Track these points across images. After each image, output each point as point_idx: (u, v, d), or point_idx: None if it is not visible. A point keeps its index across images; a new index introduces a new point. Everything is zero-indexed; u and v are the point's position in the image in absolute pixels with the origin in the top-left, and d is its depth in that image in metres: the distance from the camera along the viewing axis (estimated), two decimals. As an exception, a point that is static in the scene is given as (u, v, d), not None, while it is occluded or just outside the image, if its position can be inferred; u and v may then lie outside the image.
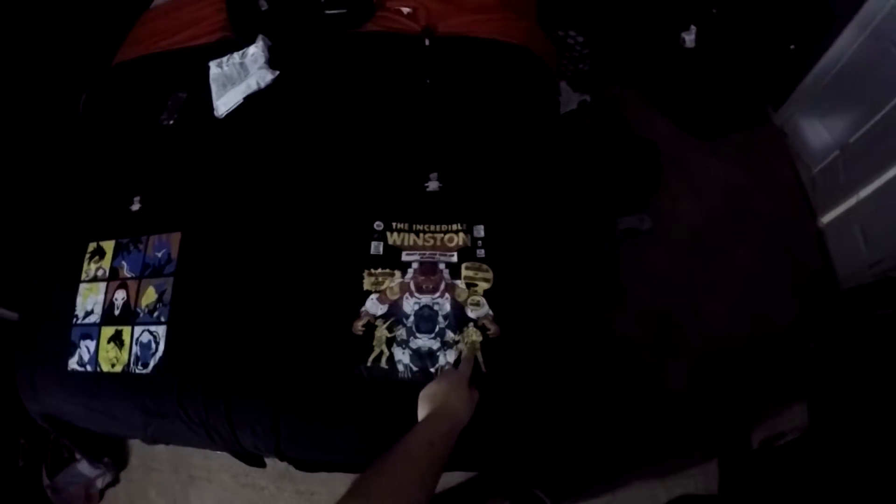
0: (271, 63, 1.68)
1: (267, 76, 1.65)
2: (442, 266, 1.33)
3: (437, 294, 1.30)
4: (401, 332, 1.27)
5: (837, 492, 1.53)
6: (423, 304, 1.29)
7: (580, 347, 1.38)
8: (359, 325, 1.29)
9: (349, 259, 1.36)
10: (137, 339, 1.41)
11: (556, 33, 2.46)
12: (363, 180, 1.49)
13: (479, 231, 1.37)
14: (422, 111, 1.60)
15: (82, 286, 1.50)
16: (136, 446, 2.13)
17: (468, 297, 1.29)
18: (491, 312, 1.27)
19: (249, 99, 1.66)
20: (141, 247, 1.50)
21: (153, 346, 1.40)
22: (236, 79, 1.65)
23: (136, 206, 1.56)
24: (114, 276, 1.49)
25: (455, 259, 1.34)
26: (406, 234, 1.38)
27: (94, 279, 1.50)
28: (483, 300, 1.28)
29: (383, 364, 1.25)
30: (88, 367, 1.42)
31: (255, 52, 1.66)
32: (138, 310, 1.43)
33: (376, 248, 1.37)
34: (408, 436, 0.93)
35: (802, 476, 1.68)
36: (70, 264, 1.53)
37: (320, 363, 1.29)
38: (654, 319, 2.18)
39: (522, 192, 1.45)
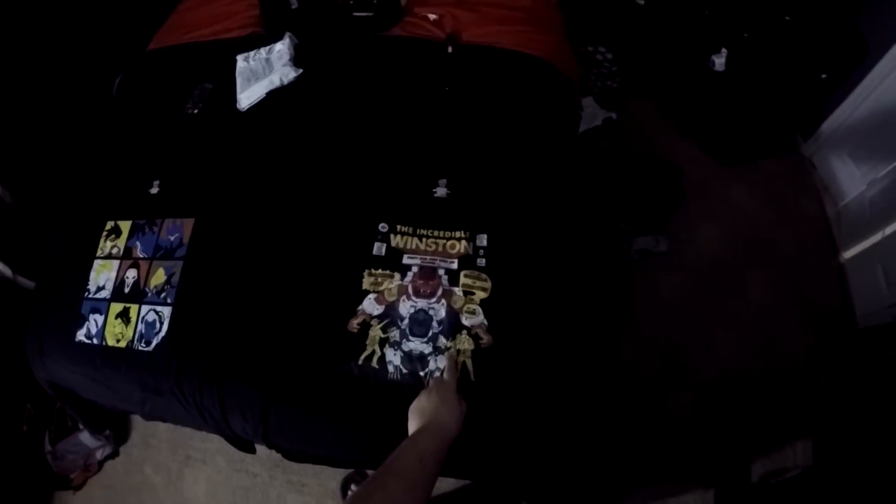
0: (296, 61, 1.72)
1: (290, 73, 1.68)
2: (441, 272, 1.34)
3: (434, 299, 1.31)
4: (394, 334, 1.28)
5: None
6: (419, 307, 1.30)
7: (576, 365, 1.37)
8: (354, 323, 1.30)
9: (351, 257, 1.38)
10: (143, 317, 1.46)
11: (586, 49, 2.45)
12: (373, 181, 1.51)
13: (482, 240, 1.38)
14: (437, 117, 1.61)
15: (97, 262, 1.56)
16: (138, 422, 2.20)
17: (464, 304, 1.29)
18: (485, 322, 1.27)
19: (272, 94, 1.69)
20: (156, 229, 1.55)
21: (157, 325, 1.44)
22: (261, 74, 1.69)
23: (154, 190, 1.61)
24: (127, 255, 1.54)
25: (455, 266, 1.34)
26: (409, 238, 1.40)
27: (109, 256, 1.56)
28: (479, 309, 1.29)
29: (374, 363, 1.26)
30: (95, 340, 1.48)
31: (281, 48, 1.70)
32: (147, 289, 1.48)
33: (379, 248, 1.39)
34: (398, 452, 0.94)
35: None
36: (87, 240, 1.59)
37: (313, 357, 1.31)
38: (663, 344, 2.14)
39: (530, 206, 1.45)
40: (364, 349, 1.28)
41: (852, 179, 2.24)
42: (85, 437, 2.04)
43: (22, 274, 1.88)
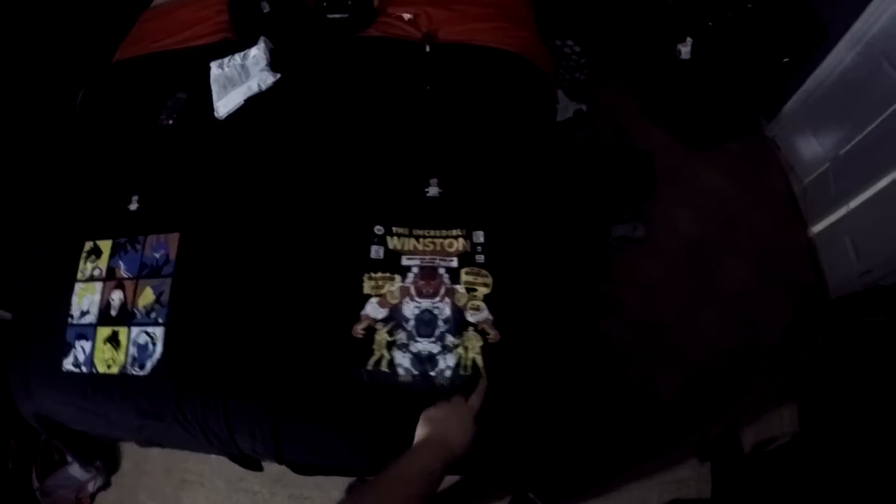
0: (273, 65, 1.69)
1: (268, 78, 1.65)
2: (442, 271, 1.34)
3: (438, 298, 1.30)
4: (401, 336, 1.27)
5: (827, 496, 1.55)
6: (424, 308, 1.30)
7: (576, 353, 1.39)
8: (359, 329, 1.29)
9: (349, 263, 1.36)
10: (134, 340, 1.40)
11: (554, 42, 2.48)
12: (364, 184, 1.49)
13: (479, 237, 1.38)
14: (422, 117, 1.61)
15: (78, 285, 1.48)
16: (128, 449, 2.11)
17: (468, 301, 1.30)
18: (491, 317, 1.28)
19: (250, 101, 1.65)
20: (139, 247, 1.49)
21: (150, 347, 1.38)
22: (237, 80, 1.65)
23: (133, 206, 1.55)
24: (111, 276, 1.47)
25: (455, 264, 1.34)
26: (406, 239, 1.39)
27: (91, 279, 1.48)
28: (483, 305, 1.29)
29: (384, 367, 1.25)
30: (84, 368, 1.41)
31: (257, 53, 1.66)
32: (135, 310, 1.42)
33: (376, 252, 1.37)
34: (402, 460, 0.93)
35: (793, 480, 1.70)
36: (66, 263, 1.51)
37: (321, 366, 1.29)
38: (647, 328, 2.20)
39: (521, 199, 1.46)
40: (372, 354, 1.26)
41: (815, 157, 2.34)
42: (74, 469, 1.95)
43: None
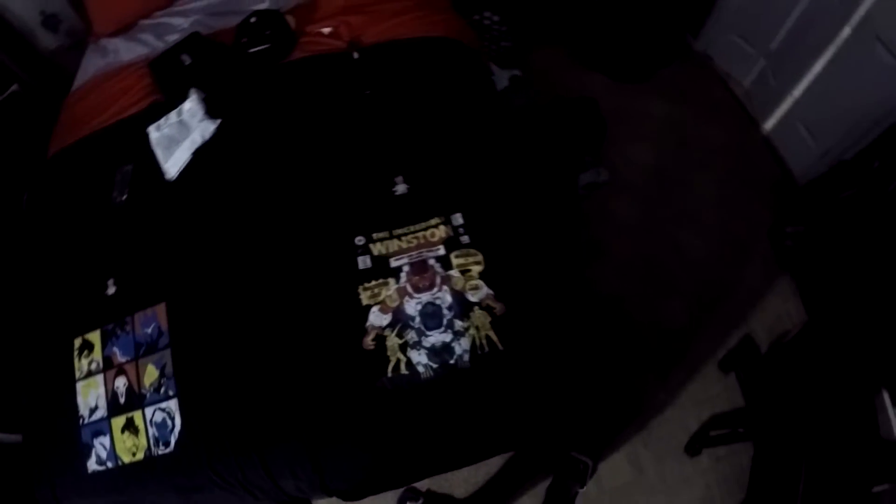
0: (210, 113, 1.67)
1: (209, 127, 1.63)
2: (432, 261, 1.34)
3: (436, 289, 1.31)
4: (411, 335, 1.27)
5: (845, 368, 1.60)
6: (425, 301, 1.30)
7: (579, 302, 1.41)
8: (369, 340, 1.28)
9: (340, 280, 1.36)
10: (151, 420, 1.37)
11: (472, 18, 2.50)
12: (332, 201, 1.49)
13: (458, 219, 1.39)
14: (370, 121, 1.61)
15: (79, 384, 1.45)
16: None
17: (465, 283, 1.30)
18: (491, 292, 1.29)
19: (198, 153, 1.64)
20: (128, 328, 1.46)
21: (169, 422, 1.36)
22: (179, 137, 1.63)
23: (111, 290, 1.52)
24: (108, 366, 1.44)
25: (442, 251, 1.35)
26: (388, 242, 1.39)
27: (90, 374, 1.45)
28: (480, 282, 1.30)
29: (403, 370, 1.25)
30: (109, 464, 1.37)
31: (192, 106, 1.64)
32: (143, 391, 1.39)
33: (363, 262, 1.37)
34: None
35: (812, 363, 1.75)
36: (61, 366, 1.47)
37: (342, 388, 1.28)
38: (638, 265, 2.23)
39: (487, 173, 1.48)
40: (388, 361, 1.26)
41: (748, 58, 2.41)
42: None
43: (3, 430, 1.72)
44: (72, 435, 1.42)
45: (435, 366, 1.24)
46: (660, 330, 2.09)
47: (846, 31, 1.85)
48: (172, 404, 1.36)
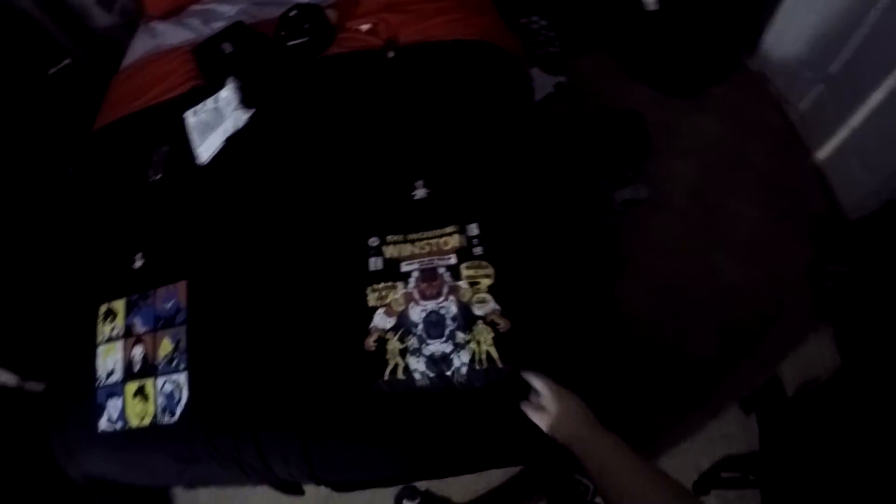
0: (245, 102, 1.71)
1: (242, 116, 1.68)
2: (442, 270, 1.34)
3: (442, 298, 1.31)
4: (412, 342, 1.28)
5: (878, 423, 1.51)
6: (430, 310, 1.30)
7: (593, 326, 1.38)
8: (370, 342, 1.30)
9: (350, 279, 1.38)
10: (161, 389, 1.44)
11: (520, 21, 2.47)
12: (352, 200, 1.51)
13: (473, 229, 1.38)
14: (398, 122, 1.62)
15: (100, 348, 1.53)
16: (179, 494, 2.16)
17: (472, 295, 1.30)
18: (498, 307, 1.28)
19: (230, 141, 1.68)
20: (150, 301, 1.53)
21: (177, 394, 1.42)
22: (213, 124, 1.68)
23: (138, 263, 1.59)
24: (129, 334, 1.52)
25: (454, 261, 1.35)
26: (402, 245, 1.40)
27: (111, 339, 1.53)
28: (488, 296, 1.29)
29: (400, 375, 1.26)
30: (118, 425, 1.45)
31: (227, 94, 1.69)
32: (157, 362, 1.46)
33: (375, 263, 1.38)
34: (631, 468, 0.91)
35: (840, 415, 1.66)
36: (85, 329, 1.56)
37: (340, 385, 1.31)
38: (668, 288, 2.16)
39: (510, 184, 1.46)
40: (387, 364, 1.27)
41: (806, 80, 2.27)
42: (127, 523, 2.01)
43: (30, 378, 1.85)
44: (88, 394, 1.51)
45: (431, 375, 1.25)
46: (683, 358, 2.02)
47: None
48: (182, 378, 1.43)
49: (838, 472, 1.46)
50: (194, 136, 1.69)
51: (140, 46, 2.17)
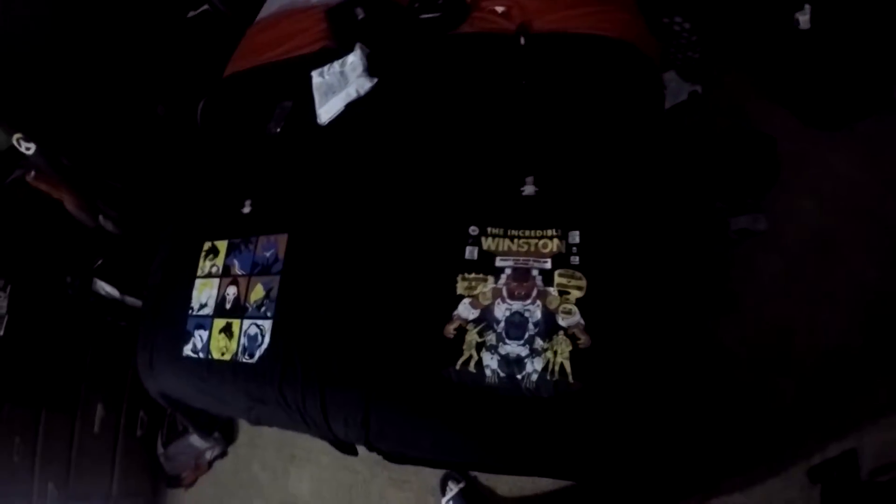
0: (370, 70, 1.73)
1: (366, 84, 1.69)
2: (535, 272, 1.31)
3: (529, 301, 1.29)
4: (491, 338, 1.27)
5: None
6: (515, 310, 1.29)
7: (678, 359, 1.32)
8: (451, 329, 1.31)
9: (444, 263, 1.38)
10: (245, 331, 1.53)
11: (661, 21, 2.32)
12: (460, 184, 1.50)
13: (575, 237, 1.33)
14: (518, 113, 1.57)
15: (198, 281, 1.65)
16: (245, 424, 2.31)
17: (560, 304, 1.26)
18: (582, 322, 1.24)
19: (350, 106, 1.71)
20: (251, 247, 1.62)
21: (259, 338, 1.51)
22: (337, 87, 1.71)
23: (247, 209, 1.68)
24: (226, 273, 1.62)
25: (549, 266, 1.31)
26: (501, 240, 1.37)
27: (209, 275, 1.64)
28: (575, 308, 1.25)
29: (471, 368, 1.26)
30: (201, 355, 1.57)
31: (354, 60, 1.71)
32: (247, 305, 1.55)
33: (471, 252, 1.37)
34: None
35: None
36: (187, 261, 1.68)
37: (412, 363, 1.33)
38: (764, 329, 2.00)
39: (622, 197, 1.39)
40: (461, 354, 1.27)
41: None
42: (195, 439, 2.18)
43: (129, 294, 2.03)
44: (179, 320, 1.63)
45: (502, 374, 1.24)
46: (762, 405, 1.90)
47: None
48: (267, 324, 1.51)
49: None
50: (317, 97, 1.73)
51: (277, 1, 2.22)
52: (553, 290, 1.28)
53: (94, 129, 1.98)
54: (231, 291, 1.59)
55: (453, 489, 1.87)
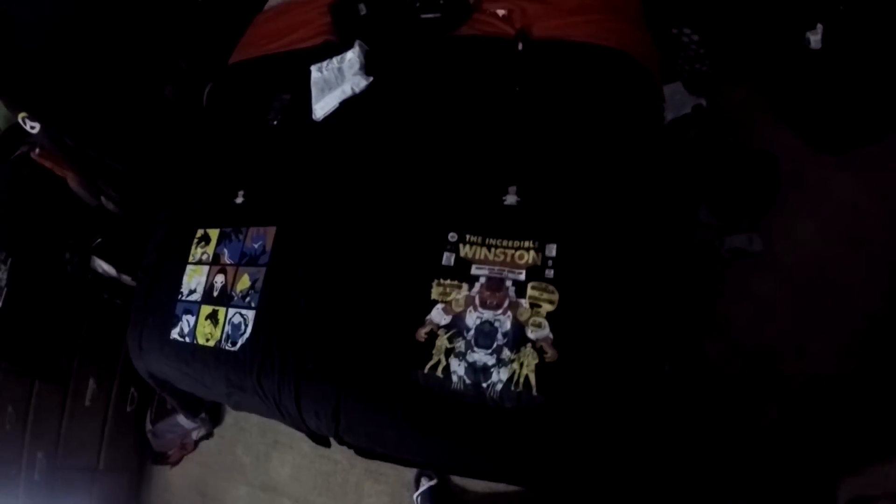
0: (366, 68, 1.74)
1: (361, 82, 1.71)
2: (509, 283, 1.32)
3: (500, 311, 1.30)
4: (460, 345, 1.29)
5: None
6: (485, 319, 1.30)
7: (649, 378, 1.32)
8: (422, 333, 1.33)
9: (421, 267, 1.40)
10: (230, 319, 1.58)
11: (670, 31, 2.29)
12: (443, 189, 1.51)
13: (552, 250, 1.33)
14: (508, 120, 1.57)
15: (189, 267, 1.70)
16: (231, 411, 2.37)
17: (530, 317, 1.28)
18: (551, 335, 1.25)
19: (345, 104, 1.73)
20: (241, 237, 1.66)
21: (242, 327, 1.55)
22: (334, 83, 1.72)
23: (239, 200, 1.72)
24: (216, 261, 1.67)
25: (522, 277, 1.32)
26: (478, 248, 1.38)
27: (200, 262, 1.69)
28: (545, 322, 1.27)
29: (439, 373, 1.28)
30: (187, 339, 1.62)
31: (352, 57, 1.72)
32: (233, 294, 1.60)
33: (448, 258, 1.39)
34: None
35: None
36: (180, 247, 1.73)
37: (382, 363, 1.36)
38: (752, 352, 1.99)
39: (604, 212, 1.37)
40: (430, 358, 1.30)
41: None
42: (182, 419, 2.25)
43: (125, 273, 2.08)
44: (168, 304, 1.68)
45: (468, 381, 1.26)
46: (746, 428, 1.89)
47: None
48: (250, 314, 1.55)
49: None
50: (314, 92, 1.75)
51: (283, -10, 2.24)
52: (524, 302, 1.29)
53: (100, 110, 2.01)
54: (219, 279, 1.64)
55: (425, 485, 1.91)
